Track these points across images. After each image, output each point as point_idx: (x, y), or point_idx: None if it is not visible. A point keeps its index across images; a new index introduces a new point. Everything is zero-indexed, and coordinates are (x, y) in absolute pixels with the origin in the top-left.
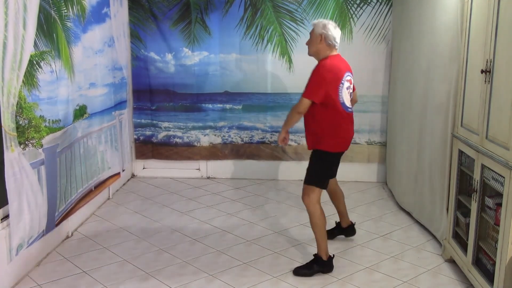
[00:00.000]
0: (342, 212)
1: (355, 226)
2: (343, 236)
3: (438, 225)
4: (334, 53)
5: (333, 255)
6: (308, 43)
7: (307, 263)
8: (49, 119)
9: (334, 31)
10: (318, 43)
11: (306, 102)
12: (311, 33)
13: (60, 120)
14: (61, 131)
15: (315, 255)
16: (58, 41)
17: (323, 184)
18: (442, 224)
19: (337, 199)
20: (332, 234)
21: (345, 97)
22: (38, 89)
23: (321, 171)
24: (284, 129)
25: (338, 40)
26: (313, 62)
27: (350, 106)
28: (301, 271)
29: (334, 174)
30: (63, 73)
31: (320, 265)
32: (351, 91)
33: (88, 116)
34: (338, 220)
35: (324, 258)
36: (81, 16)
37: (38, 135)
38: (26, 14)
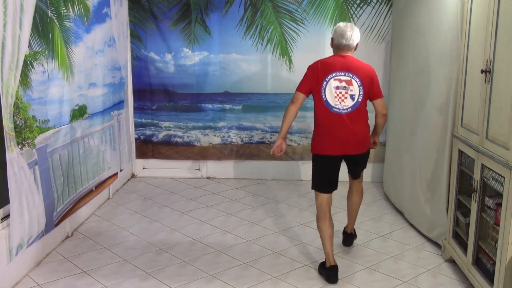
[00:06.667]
0: (348, 217)
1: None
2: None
3: (433, 226)
4: (339, 53)
5: (337, 266)
6: None
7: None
8: (39, 119)
9: (335, 34)
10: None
11: (295, 93)
12: None
13: (48, 120)
14: (50, 131)
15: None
16: (54, 41)
17: (318, 187)
18: (438, 225)
19: (348, 203)
20: (344, 240)
21: (329, 95)
22: (31, 89)
23: (313, 174)
24: (280, 136)
25: (342, 40)
26: (311, 62)
27: (339, 107)
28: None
29: (328, 180)
30: (56, 73)
31: (321, 268)
32: (352, 93)
33: (88, 116)
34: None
35: (326, 264)
36: (84, 16)
37: (32, 135)
38: (23, 14)
